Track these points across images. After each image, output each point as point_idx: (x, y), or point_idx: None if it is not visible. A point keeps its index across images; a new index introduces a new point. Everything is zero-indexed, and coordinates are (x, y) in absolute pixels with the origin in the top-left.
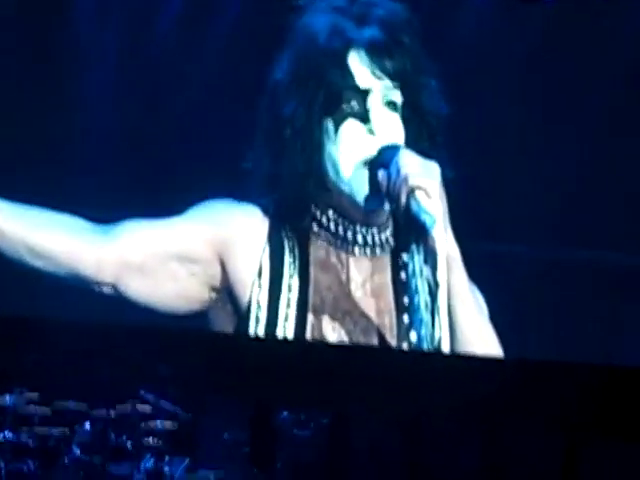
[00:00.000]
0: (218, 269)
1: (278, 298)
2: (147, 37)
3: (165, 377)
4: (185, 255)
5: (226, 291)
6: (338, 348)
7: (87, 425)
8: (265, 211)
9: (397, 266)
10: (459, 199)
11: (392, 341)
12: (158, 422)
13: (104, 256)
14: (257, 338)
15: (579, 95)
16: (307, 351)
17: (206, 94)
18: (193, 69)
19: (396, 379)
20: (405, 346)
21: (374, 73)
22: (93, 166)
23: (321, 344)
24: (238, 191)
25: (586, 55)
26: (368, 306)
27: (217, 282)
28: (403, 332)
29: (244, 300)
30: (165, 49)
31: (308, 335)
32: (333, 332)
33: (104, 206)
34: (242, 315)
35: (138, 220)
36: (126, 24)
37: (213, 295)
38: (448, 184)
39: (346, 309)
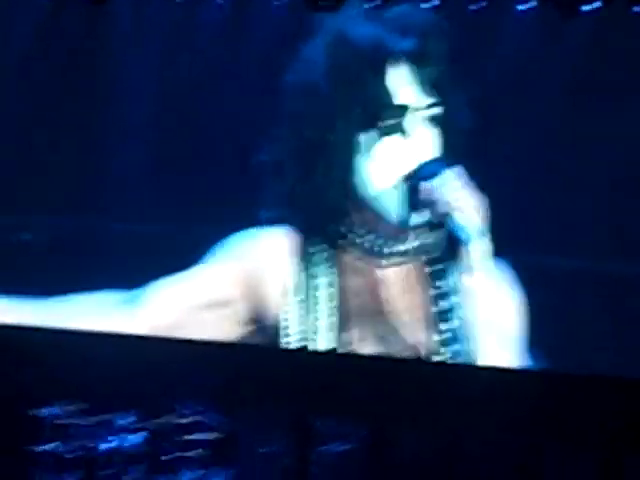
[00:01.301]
0: (248, 304)
1: (307, 314)
2: (183, 55)
3: (204, 390)
4: (215, 302)
5: (257, 321)
6: (372, 360)
7: (126, 438)
8: (290, 229)
9: (431, 278)
10: (494, 211)
11: (425, 352)
12: (198, 435)
13: (134, 328)
14: (292, 350)
15: (613, 110)
16: (345, 363)
17: (241, 107)
18: (225, 76)
19: (431, 393)
20: (436, 358)
21: (413, 87)
22: (130, 184)
23: (355, 356)
24: (265, 199)
25: (624, 71)
26: (402, 319)
27: (248, 316)
28: (437, 346)
29: (274, 322)
30: (202, 63)
31: (340, 347)
32: (365, 342)
33: (145, 220)
34: (272, 336)
35: (163, 280)
36: (162, 42)
37: (244, 329)
38: (486, 198)
39: (378, 316)
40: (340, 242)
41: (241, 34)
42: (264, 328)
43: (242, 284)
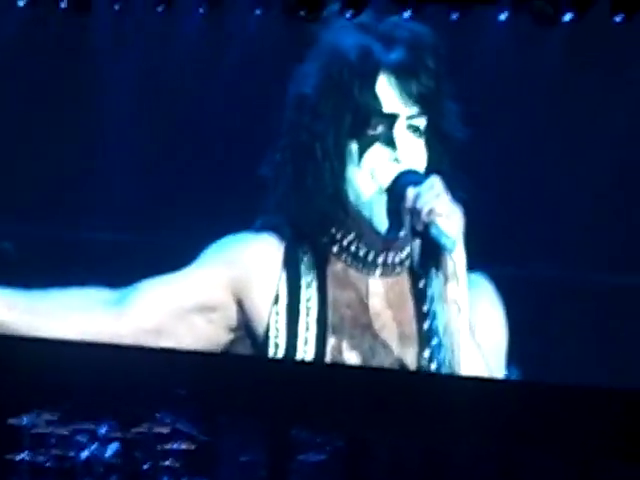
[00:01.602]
0: (236, 309)
1: (297, 322)
2: (164, 60)
3: (182, 399)
4: (203, 305)
5: (245, 327)
6: (356, 370)
7: (104, 447)
8: (280, 236)
9: (417, 288)
10: (477, 223)
11: (412, 364)
12: (175, 444)
13: (120, 328)
14: (274, 359)
15: (600, 117)
16: (324, 373)
17: (224, 109)
18: (211, 86)
19: (415, 403)
20: (425, 365)
21: (401, 98)
22: (114, 192)
23: (338, 366)
24: (256, 205)
25: (605, 76)
26: (388, 324)
27: (235, 322)
28: (423, 356)
29: (262, 330)
30: (183, 70)
31: (328, 357)
32: (353, 352)
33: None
34: (260, 344)
35: (151, 280)
36: (142, 49)
37: (232, 335)
38: (468, 208)
39: (367, 329)
40: (332, 248)
41: (223, 43)
42: (252, 335)
43: (231, 289)
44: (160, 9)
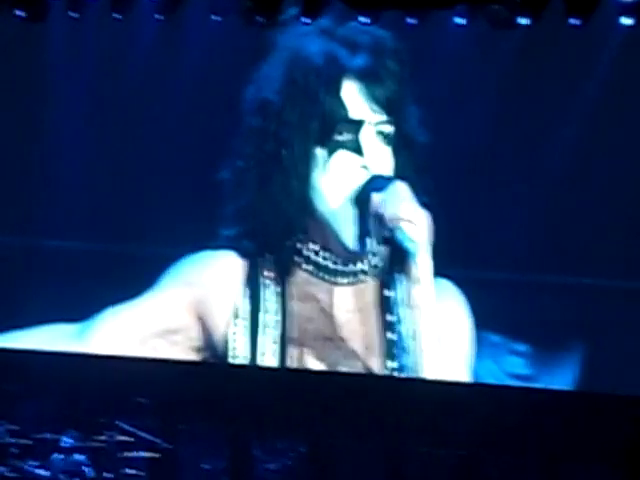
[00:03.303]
0: (198, 329)
1: (256, 335)
2: (122, 68)
3: (144, 407)
4: (165, 330)
5: (206, 345)
6: (317, 375)
7: (66, 456)
8: (241, 251)
9: (382, 293)
10: (442, 226)
11: (376, 367)
12: (137, 453)
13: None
14: (236, 366)
15: (555, 119)
16: (285, 379)
17: (182, 116)
18: (167, 91)
19: (378, 407)
20: (388, 373)
21: (367, 103)
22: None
23: (299, 372)
24: (217, 212)
25: (560, 78)
26: (353, 333)
27: (198, 342)
28: (387, 359)
29: (223, 345)
30: (140, 77)
31: (290, 366)
32: (316, 361)
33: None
34: (221, 358)
35: (112, 308)
36: (99, 57)
37: (194, 356)
38: (432, 211)
39: (330, 338)
40: (296, 258)
41: (180, 49)
42: (214, 352)
43: (192, 311)
44: (117, 16)
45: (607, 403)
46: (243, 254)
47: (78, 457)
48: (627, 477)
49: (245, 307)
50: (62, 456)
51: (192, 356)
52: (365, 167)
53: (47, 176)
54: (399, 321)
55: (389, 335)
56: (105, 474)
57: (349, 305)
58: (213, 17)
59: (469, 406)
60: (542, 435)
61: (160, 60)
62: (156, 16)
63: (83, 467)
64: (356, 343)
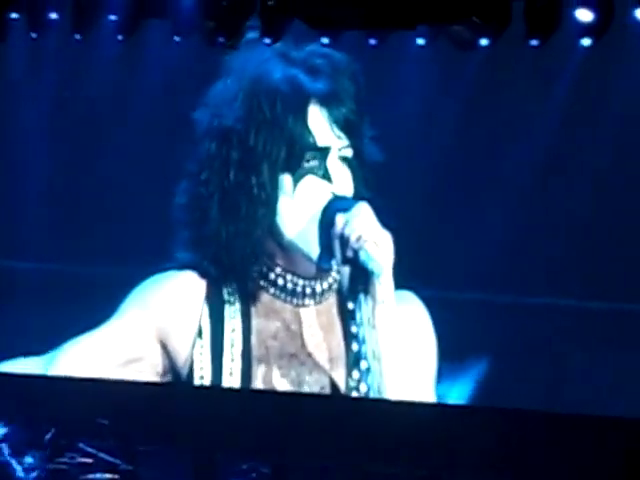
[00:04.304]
0: (161, 354)
1: (221, 354)
2: (82, 88)
3: (104, 429)
4: (129, 359)
5: (171, 369)
6: (281, 396)
7: (26, 478)
8: (200, 271)
9: (345, 314)
10: (406, 246)
11: (341, 379)
12: (98, 474)
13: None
14: (198, 387)
15: (517, 137)
16: (249, 400)
17: (141, 137)
18: (126, 112)
19: (343, 427)
20: (354, 394)
21: (331, 128)
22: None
23: (262, 392)
24: (173, 237)
25: (520, 97)
26: (317, 347)
27: (162, 368)
28: (352, 380)
29: (187, 366)
30: (100, 97)
31: (255, 386)
32: (281, 378)
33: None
34: (186, 379)
35: (74, 340)
36: (59, 77)
37: (161, 379)
38: (395, 232)
39: (294, 354)
40: (259, 282)
41: (141, 69)
42: (177, 374)
43: (154, 336)
44: (78, 37)
45: (576, 423)
46: (204, 275)
47: (38, 478)
48: None
49: (207, 325)
50: (23, 477)
51: (159, 380)
52: (333, 193)
53: (6, 195)
54: (363, 340)
55: (353, 349)
56: None
57: (314, 322)
58: (175, 38)
59: (432, 426)
60: (507, 456)
61: (121, 80)
62: (118, 37)
63: None
64: (321, 356)
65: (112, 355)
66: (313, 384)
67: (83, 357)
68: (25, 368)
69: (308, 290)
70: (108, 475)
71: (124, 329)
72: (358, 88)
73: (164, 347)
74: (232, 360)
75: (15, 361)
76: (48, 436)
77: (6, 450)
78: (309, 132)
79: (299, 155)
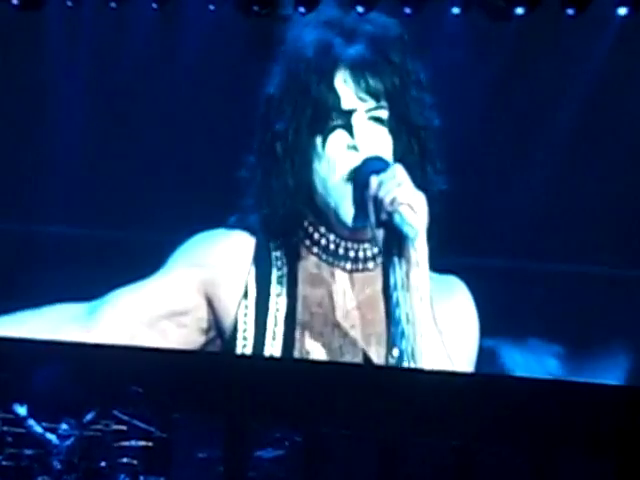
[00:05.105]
0: (207, 310)
1: (265, 317)
2: (118, 57)
3: (138, 396)
4: (174, 311)
5: (215, 326)
6: (315, 365)
7: (61, 445)
8: (251, 231)
9: (386, 280)
10: (449, 212)
11: (381, 357)
12: (132, 441)
13: (92, 340)
14: (232, 355)
15: (552, 107)
16: (282, 368)
17: (196, 107)
18: (165, 80)
19: (375, 397)
20: (394, 362)
21: (358, 94)
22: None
23: (297, 361)
24: (231, 206)
25: (556, 68)
26: (359, 321)
27: (207, 323)
28: (392, 354)
29: (231, 325)
30: (137, 66)
31: (296, 353)
32: (322, 348)
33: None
34: (229, 339)
35: (120, 289)
36: (96, 46)
37: (204, 337)
38: (439, 197)
39: (336, 324)
40: (305, 242)
41: (177, 38)
42: (221, 332)
43: (201, 291)
44: (113, 4)
45: (601, 393)
46: (253, 233)
47: (72, 445)
48: (623, 467)
49: (254, 287)
50: (57, 445)
51: (202, 338)
52: (358, 151)
53: (49, 162)
54: (397, 304)
55: (397, 338)
56: (100, 463)
57: (353, 293)
58: (210, 6)
59: (465, 396)
60: (538, 425)
61: (157, 49)
62: (152, 5)
63: (77, 455)
64: (363, 331)
65: (157, 306)
66: (351, 358)
67: (128, 305)
68: (67, 315)
69: (347, 253)
70: (142, 442)
71: (171, 282)
72: (402, 53)
73: (210, 303)
74: (275, 325)
75: (57, 306)
76: (83, 404)
77: (34, 424)
78: (334, 95)
79: (324, 116)
